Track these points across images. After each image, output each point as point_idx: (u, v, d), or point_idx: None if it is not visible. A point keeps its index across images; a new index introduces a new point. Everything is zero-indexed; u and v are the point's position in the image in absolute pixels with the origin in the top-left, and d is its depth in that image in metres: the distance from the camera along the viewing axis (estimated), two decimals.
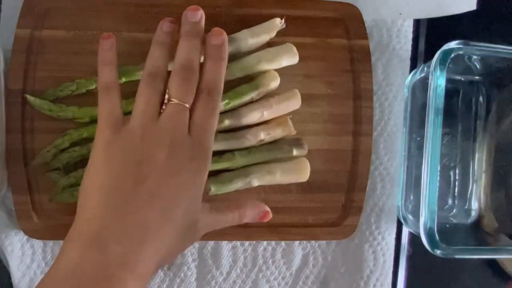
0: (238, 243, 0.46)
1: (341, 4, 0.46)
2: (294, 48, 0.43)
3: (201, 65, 0.37)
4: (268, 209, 0.39)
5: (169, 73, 0.36)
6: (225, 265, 0.46)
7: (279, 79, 0.43)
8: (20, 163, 0.42)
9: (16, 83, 0.42)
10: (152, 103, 0.35)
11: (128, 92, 0.38)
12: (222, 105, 0.41)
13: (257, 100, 0.43)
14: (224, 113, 0.42)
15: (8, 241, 0.43)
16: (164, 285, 0.46)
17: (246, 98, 0.42)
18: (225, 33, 0.37)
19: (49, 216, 0.42)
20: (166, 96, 0.35)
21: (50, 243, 0.44)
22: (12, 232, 0.43)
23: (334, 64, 0.46)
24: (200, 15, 0.37)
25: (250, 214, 0.39)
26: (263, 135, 0.42)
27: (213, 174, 0.42)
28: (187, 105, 0.35)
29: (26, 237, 0.43)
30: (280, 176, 0.43)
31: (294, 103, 0.43)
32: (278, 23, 0.43)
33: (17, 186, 0.42)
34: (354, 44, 0.46)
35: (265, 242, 0.47)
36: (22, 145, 0.42)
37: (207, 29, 0.43)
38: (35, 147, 0.42)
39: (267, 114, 0.42)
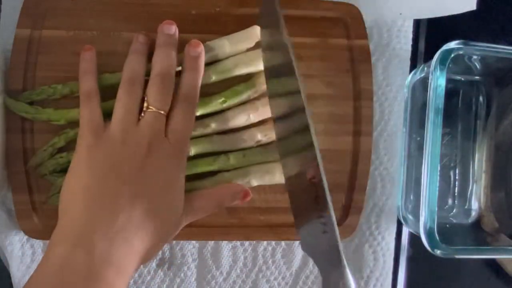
0: (238, 243, 0.46)
1: (341, 4, 0.46)
2: None
3: (178, 73, 0.39)
4: (246, 188, 0.40)
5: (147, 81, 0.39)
6: (225, 265, 0.46)
7: None
8: (20, 163, 0.41)
9: (16, 83, 0.42)
10: (131, 110, 0.37)
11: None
12: (218, 103, 0.42)
13: (243, 103, 0.43)
14: (210, 116, 0.42)
15: (8, 241, 0.43)
16: (164, 285, 0.46)
17: (243, 96, 0.42)
18: (202, 45, 0.40)
19: (49, 216, 0.42)
20: (145, 104, 0.37)
21: None
22: (12, 232, 0.43)
23: (334, 64, 0.46)
24: (174, 29, 0.40)
25: (228, 197, 0.40)
26: (260, 136, 0.42)
27: (211, 174, 0.42)
28: (163, 113, 0.37)
29: (26, 237, 0.43)
30: (279, 175, 0.43)
31: None
32: (258, 32, 0.43)
33: (17, 186, 0.42)
34: (354, 44, 0.46)
35: (265, 242, 0.47)
36: (22, 145, 0.42)
37: (207, 30, 0.44)
38: (35, 147, 0.42)
39: (253, 117, 0.42)
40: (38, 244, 0.44)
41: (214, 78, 0.42)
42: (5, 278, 0.44)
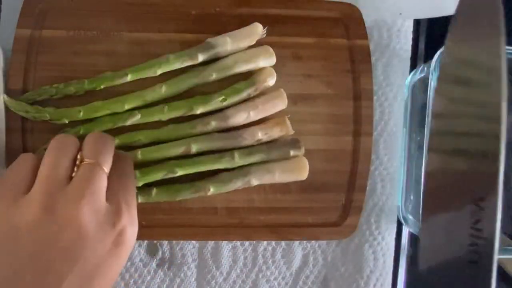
0: (238, 243, 0.46)
1: (341, 4, 0.46)
2: (271, 49, 0.43)
3: None
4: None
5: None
6: (225, 265, 0.46)
7: (275, 75, 0.43)
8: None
9: (16, 83, 0.42)
10: (59, 165, 0.29)
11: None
12: (218, 102, 0.42)
13: (243, 101, 0.43)
14: (210, 115, 0.42)
15: None
16: (164, 285, 0.46)
17: (243, 94, 0.42)
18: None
19: None
20: (79, 157, 0.31)
21: None
22: None
23: (334, 64, 0.46)
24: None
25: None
26: (261, 135, 0.42)
27: (211, 174, 0.42)
28: (105, 168, 0.30)
29: None
30: (279, 175, 0.43)
31: (280, 102, 0.43)
32: (259, 30, 0.43)
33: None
34: (354, 44, 0.46)
35: (265, 242, 0.47)
36: (22, 145, 0.42)
37: (207, 30, 0.44)
38: (35, 146, 0.42)
39: (253, 115, 0.42)
40: None
41: (214, 76, 0.42)
42: None
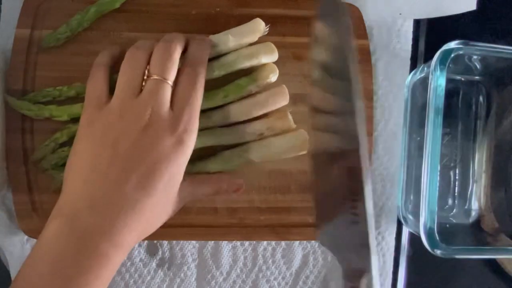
0: (238, 243, 0.46)
1: None
2: (273, 45, 0.43)
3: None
4: (241, 182, 0.41)
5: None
6: (225, 265, 0.46)
7: (277, 71, 0.43)
8: (20, 163, 0.41)
9: (16, 83, 0.42)
10: (132, 79, 0.35)
11: None
12: (220, 98, 0.42)
13: (245, 97, 0.43)
14: (212, 110, 0.42)
15: (8, 241, 0.43)
16: (164, 285, 0.46)
17: (245, 90, 0.42)
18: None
19: (49, 216, 0.42)
20: (146, 73, 0.36)
21: None
22: (12, 232, 0.43)
23: None
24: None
25: (224, 187, 0.41)
26: (263, 129, 0.42)
27: (211, 153, 0.42)
28: (169, 81, 0.35)
29: (26, 237, 0.43)
30: (278, 150, 0.42)
31: (281, 99, 0.43)
32: (261, 26, 0.42)
33: (17, 186, 0.42)
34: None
35: (265, 242, 0.47)
36: (22, 145, 0.42)
37: (207, 30, 0.44)
38: (34, 147, 0.42)
39: (255, 111, 0.42)
40: None
41: (216, 72, 0.42)
42: (5, 278, 0.44)
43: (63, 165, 0.40)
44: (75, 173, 0.35)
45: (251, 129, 0.42)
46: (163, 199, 0.35)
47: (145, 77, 0.36)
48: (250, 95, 0.43)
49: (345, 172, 0.31)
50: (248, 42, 0.43)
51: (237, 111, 0.42)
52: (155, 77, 0.35)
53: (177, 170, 0.35)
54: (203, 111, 0.42)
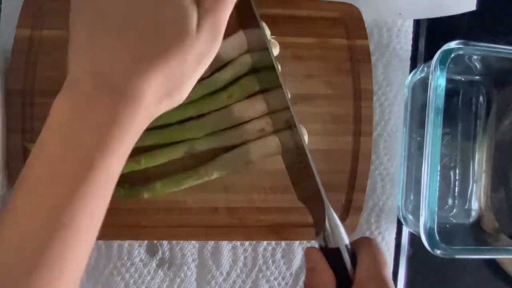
0: (238, 243, 0.46)
1: (341, 4, 0.46)
2: (273, 40, 0.43)
3: None
4: None
5: None
6: (225, 265, 0.46)
7: (279, 67, 0.43)
8: (20, 163, 0.41)
9: (16, 83, 0.42)
10: None
11: None
12: (224, 99, 0.42)
13: (247, 97, 0.43)
14: (215, 111, 0.42)
15: None
16: (164, 285, 0.46)
17: (248, 90, 0.42)
18: None
19: None
20: None
21: None
22: None
23: (334, 64, 0.46)
24: None
25: None
26: (263, 124, 0.42)
27: (210, 158, 0.43)
28: None
29: None
30: (277, 146, 0.43)
31: None
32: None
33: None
34: (354, 44, 0.46)
35: (265, 242, 0.47)
36: (22, 145, 0.42)
37: None
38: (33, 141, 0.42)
39: (258, 110, 0.42)
40: None
41: (223, 82, 0.42)
42: None
43: None
44: (83, 28, 0.30)
45: (251, 126, 0.42)
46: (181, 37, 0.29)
47: None
48: (253, 94, 0.43)
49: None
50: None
51: (240, 111, 0.42)
52: None
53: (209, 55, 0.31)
54: (206, 114, 0.42)
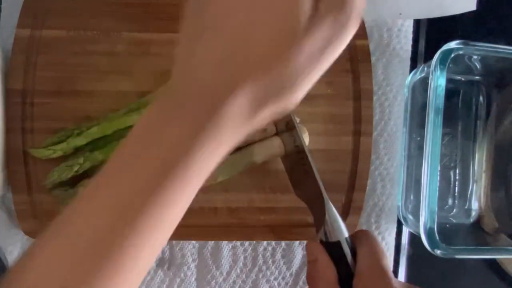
0: (238, 243, 0.46)
1: None
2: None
3: None
4: None
5: None
6: (225, 265, 0.46)
7: None
8: (20, 163, 0.41)
9: (16, 83, 0.42)
10: None
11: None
12: None
13: None
14: None
15: (8, 241, 0.43)
16: (164, 285, 0.46)
17: None
18: None
19: (49, 216, 0.42)
20: None
21: None
22: (12, 232, 0.43)
23: (334, 64, 0.45)
24: None
25: None
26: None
27: None
28: None
29: (26, 237, 0.43)
30: (279, 147, 0.43)
31: None
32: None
33: (17, 186, 0.42)
34: (354, 44, 0.46)
35: (265, 242, 0.47)
36: (22, 145, 0.42)
37: None
38: (35, 147, 0.42)
39: None
40: None
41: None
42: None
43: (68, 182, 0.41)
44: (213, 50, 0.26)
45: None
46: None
47: None
48: None
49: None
50: None
51: None
52: None
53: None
54: None
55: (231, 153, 0.42)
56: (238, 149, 0.43)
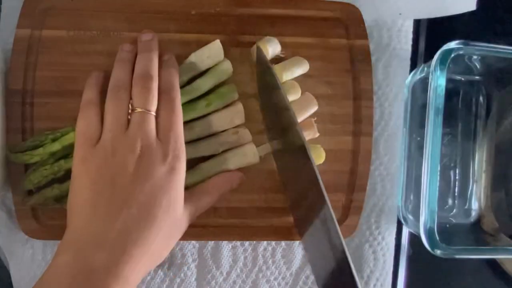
0: (238, 243, 0.46)
1: (341, 4, 0.46)
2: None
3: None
4: (240, 174, 0.43)
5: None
6: (225, 265, 0.46)
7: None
8: (20, 163, 0.41)
9: (16, 83, 0.42)
10: (118, 117, 0.37)
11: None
12: (203, 107, 0.42)
13: (225, 107, 0.43)
14: (194, 121, 0.42)
15: (8, 241, 0.43)
16: (164, 285, 0.46)
17: (227, 98, 0.42)
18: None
19: (49, 216, 0.42)
20: (130, 106, 0.37)
21: (50, 243, 0.44)
22: (12, 232, 0.43)
23: (334, 64, 0.46)
24: (151, 35, 0.41)
25: (227, 186, 0.42)
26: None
27: (189, 167, 0.41)
28: (152, 112, 0.37)
29: (26, 237, 0.43)
30: (252, 156, 0.43)
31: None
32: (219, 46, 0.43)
33: (17, 186, 0.42)
34: (354, 44, 0.46)
35: (265, 242, 0.47)
36: None
37: (207, 30, 0.44)
38: (13, 150, 0.41)
39: (237, 119, 0.43)
40: (38, 244, 0.44)
41: (202, 90, 0.42)
42: (5, 278, 0.44)
43: (48, 183, 0.40)
44: (77, 211, 0.35)
45: (229, 136, 0.43)
46: (165, 227, 0.36)
47: (129, 111, 0.37)
48: (231, 104, 0.43)
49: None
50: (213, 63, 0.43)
51: (219, 120, 0.42)
52: (139, 110, 0.37)
53: (175, 195, 0.36)
54: (186, 123, 0.42)
55: (204, 160, 0.42)
56: (211, 156, 0.43)
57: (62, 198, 0.40)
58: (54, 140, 0.40)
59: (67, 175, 0.40)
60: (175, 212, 0.36)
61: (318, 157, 0.44)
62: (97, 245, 0.33)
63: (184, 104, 0.42)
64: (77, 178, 0.36)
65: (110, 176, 0.35)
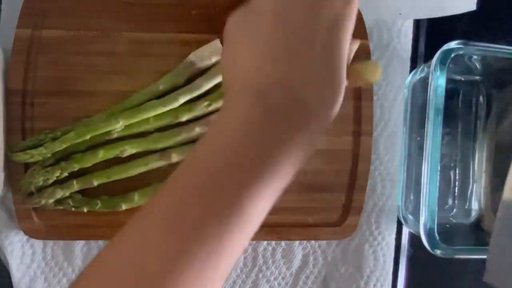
0: None
1: None
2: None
3: None
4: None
5: None
6: None
7: None
8: (20, 163, 0.41)
9: (16, 83, 0.42)
10: None
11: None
12: (203, 107, 0.42)
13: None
14: (194, 121, 0.42)
15: (8, 241, 0.43)
16: None
17: None
18: None
19: (49, 216, 0.42)
20: None
21: (50, 243, 0.44)
22: (12, 232, 0.43)
23: None
24: None
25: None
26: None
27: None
28: None
29: (26, 237, 0.43)
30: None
31: None
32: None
33: (17, 186, 0.42)
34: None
35: (265, 242, 0.46)
36: None
37: (207, 30, 0.44)
38: (12, 150, 0.41)
39: None
40: (38, 244, 0.44)
41: (203, 90, 0.42)
42: (5, 278, 0.44)
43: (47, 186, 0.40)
44: (249, 52, 0.31)
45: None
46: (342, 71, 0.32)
47: None
48: None
49: None
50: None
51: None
52: None
53: (350, 29, 0.33)
54: (186, 123, 0.42)
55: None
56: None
57: (62, 200, 0.40)
58: (54, 139, 0.40)
59: (67, 177, 0.40)
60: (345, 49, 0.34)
61: (372, 74, 0.40)
62: (280, 83, 0.29)
63: (184, 104, 0.42)
64: (247, 21, 0.33)
65: (283, 12, 0.31)
